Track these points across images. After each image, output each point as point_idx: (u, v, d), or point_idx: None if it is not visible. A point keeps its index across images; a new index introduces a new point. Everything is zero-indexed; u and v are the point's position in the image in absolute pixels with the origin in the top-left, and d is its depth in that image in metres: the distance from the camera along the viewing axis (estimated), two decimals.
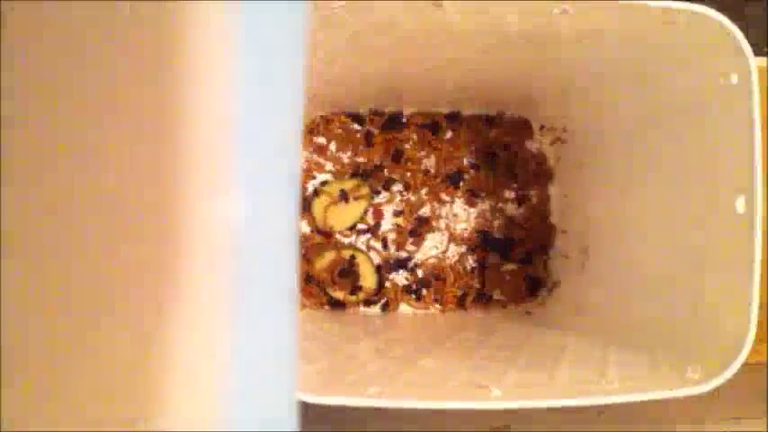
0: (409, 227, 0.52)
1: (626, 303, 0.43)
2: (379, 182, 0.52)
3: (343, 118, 0.52)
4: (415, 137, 0.53)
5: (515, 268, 0.52)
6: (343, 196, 0.51)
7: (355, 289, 0.51)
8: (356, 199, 0.52)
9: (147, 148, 0.16)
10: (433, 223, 0.52)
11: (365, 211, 0.52)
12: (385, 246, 0.52)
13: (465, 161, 0.53)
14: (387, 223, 0.52)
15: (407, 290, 0.52)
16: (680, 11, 0.33)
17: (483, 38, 0.38)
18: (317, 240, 0.51)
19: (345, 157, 0.52)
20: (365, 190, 0.52)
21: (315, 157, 0.52)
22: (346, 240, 0.52)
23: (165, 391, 0.15)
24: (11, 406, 0.16)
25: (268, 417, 0.16)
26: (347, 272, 0.51)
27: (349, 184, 0.52)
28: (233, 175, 0.15)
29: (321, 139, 0.52)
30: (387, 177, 0.52)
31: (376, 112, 0.53)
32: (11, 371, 0.16)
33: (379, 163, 0.52)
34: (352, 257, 0.51)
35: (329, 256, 0.51)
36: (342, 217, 0.52)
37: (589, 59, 0.41)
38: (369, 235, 0.52)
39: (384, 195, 0.52)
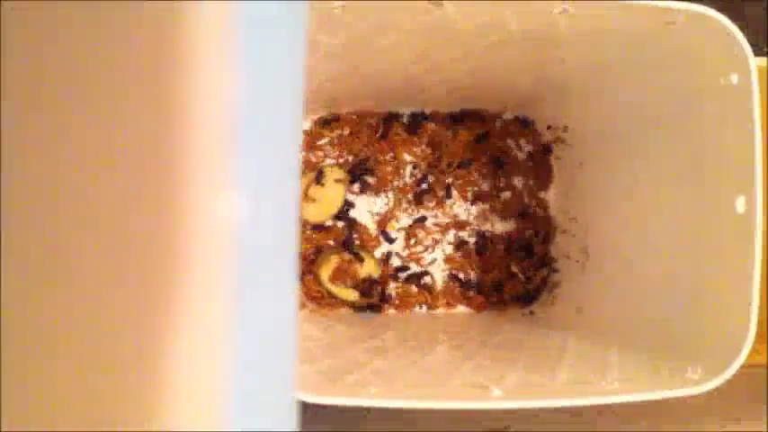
0: (408, 227, 0.52)
1: (626, 303, 0.43)
2: (378, 181, 0.52)
3: (342, 118, 0.52)
4: (414, 136, 0.53)
5: (516, 268, 0.52)
6: (318, 180, 0.51)
7: (369, 289, 0.50)
8: (325, 185, 0.51)
9: (147, 147, 0.16)
10: (433, 223, 0.52)
11: (345, 202, 0.51)
12: (388, 256, 0.52)
13: (465, 160, 0.53)
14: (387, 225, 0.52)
15: (407, 290, 0.52)
16: (680, 11, 0.33)
17: (483, 38, 0.38)
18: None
19: (344, 157, 0.52)
20: (341, 174, 0.51)
21: (313, 156, 0.52)
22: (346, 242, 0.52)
23: (165, 392, 0.15)
24: (11, 406, 0.16)
25: (268, 416, 0.16)
26: (370, 286, 0.50)
27: (326, 172, 0.51)
28: (233, 174, 0.15)
29: (321, 140, 0.52)
30: (385, 177, 0.52)
31: (376, 113, 0.53)
32: (11, 371, 0.16)
33: (377, 163, 0.52)
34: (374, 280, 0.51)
35: (334, 260, 0.50)
36: (318, 208, 0.51)
37: (589, 59, 0.41)
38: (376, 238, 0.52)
39: (383, 196, 0.52)
